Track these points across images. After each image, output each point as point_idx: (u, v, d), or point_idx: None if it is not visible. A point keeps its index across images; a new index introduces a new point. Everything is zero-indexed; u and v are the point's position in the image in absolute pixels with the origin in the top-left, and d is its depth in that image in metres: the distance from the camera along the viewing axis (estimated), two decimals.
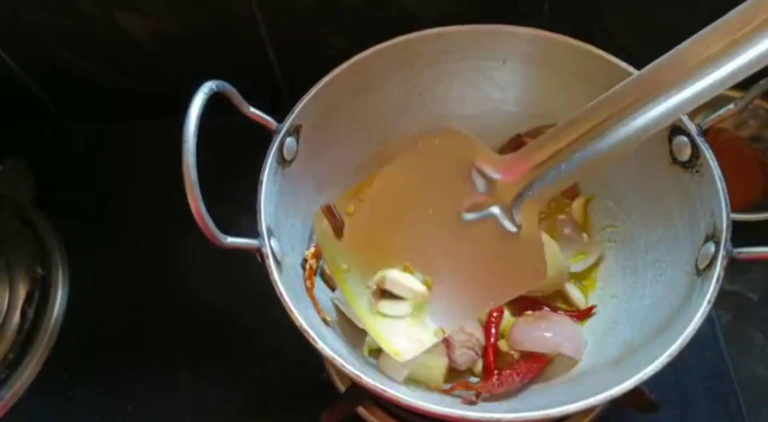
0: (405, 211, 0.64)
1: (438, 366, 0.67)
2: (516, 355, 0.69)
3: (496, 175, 0.61)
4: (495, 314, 0.70)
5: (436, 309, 0.63)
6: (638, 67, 0.66)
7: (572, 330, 0.68)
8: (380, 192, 0.65)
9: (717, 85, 0.50)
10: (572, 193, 0.80)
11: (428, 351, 0.63)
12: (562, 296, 0.75)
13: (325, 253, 0.67)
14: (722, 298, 0.84)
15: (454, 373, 0.69)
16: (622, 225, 0.77)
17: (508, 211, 0.60)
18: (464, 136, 0.61)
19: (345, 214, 0.66)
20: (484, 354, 0.69)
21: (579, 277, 0.77)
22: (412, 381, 0.67)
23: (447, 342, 0.67)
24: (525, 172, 0.59)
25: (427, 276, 0.64)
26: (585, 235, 0.78)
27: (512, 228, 0.60)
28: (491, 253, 0.61)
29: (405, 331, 0.63)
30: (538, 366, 0.66)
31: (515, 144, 0.78)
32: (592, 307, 0.73)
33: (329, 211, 0.68)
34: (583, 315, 0.73)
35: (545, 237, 0.69)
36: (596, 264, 0.77)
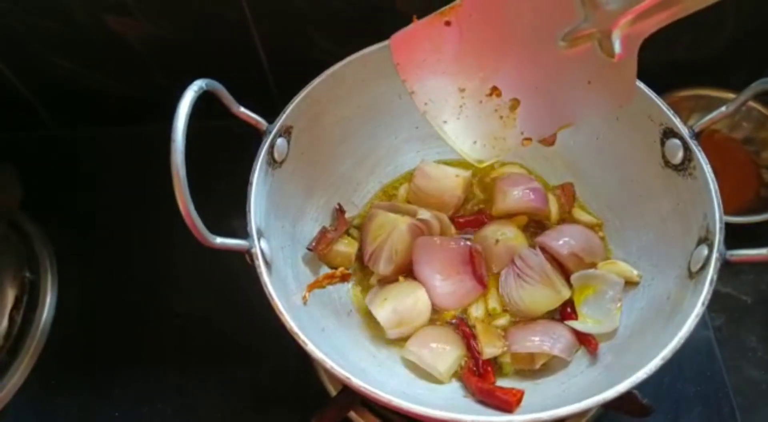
0: (496, 34, 0.61)
1: (422, 301, 0.71)
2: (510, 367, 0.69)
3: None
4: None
5: (524, 119, 0.63)
6: None
7: (561, 332, 0.68)
8: (472, 15, 0.60)
9: None
10: (570, 195, 0.80)
11: (412, 289, 0.71)
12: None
13: None
14: (715, 301, 0.84)
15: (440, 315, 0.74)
16: (613, 228, 0.77)
17: (608, 39, 0.56)
18: None
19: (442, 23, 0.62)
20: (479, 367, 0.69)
21: None
22: (396, 321, 0.70)
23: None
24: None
25: (514, 96, 0.63)
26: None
27: (609, 57, 0.57)
28: (583, 77, 0.59)
29: (491, 132, 0.64)
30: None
31: None
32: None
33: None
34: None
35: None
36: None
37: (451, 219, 0.78)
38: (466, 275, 0.73)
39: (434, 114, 0.64)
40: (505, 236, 0.75)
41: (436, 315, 0.73)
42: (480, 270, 0.73)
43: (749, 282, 0.87)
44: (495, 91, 0.63)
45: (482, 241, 0.75)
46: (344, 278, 0.75)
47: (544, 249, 0.73)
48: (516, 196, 0.77)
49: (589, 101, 0.60)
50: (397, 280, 0.74)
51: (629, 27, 0.54)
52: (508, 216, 0.78)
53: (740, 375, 0.80)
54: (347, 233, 0.78)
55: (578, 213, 0.79)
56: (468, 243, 0.74)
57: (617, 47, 0.55)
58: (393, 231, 0.74)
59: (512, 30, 0.60)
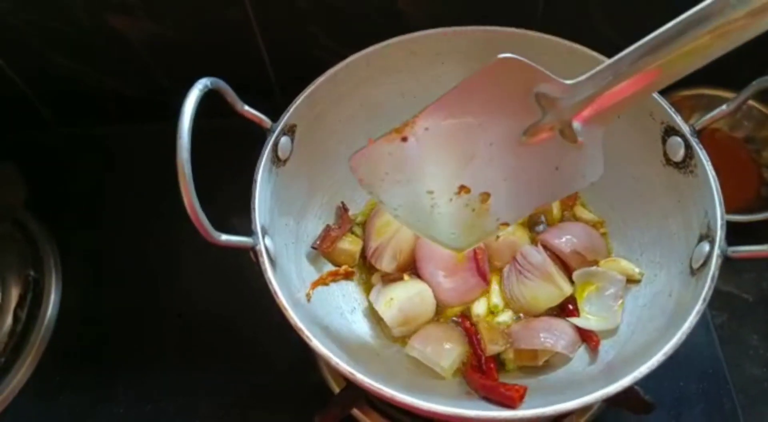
0: (456, 141, 0.61)
1: (427, 300, 0.72)
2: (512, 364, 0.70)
3: (558, 95, 0.55)
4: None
5: (497, 208, 0.63)
6: None
7: (564, 329, 0.69)
8: (427, 128, 0.61)
9: None
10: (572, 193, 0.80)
11: (417, 288, 0.72)
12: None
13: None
14: (717, 299, 0.84)
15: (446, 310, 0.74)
16: (615, 226, 0.77)
17: (569, 128, 0.56)
18: (524, 63, 0.55)
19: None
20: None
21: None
22: (401, 320, 0.70)
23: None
24: (589, 90, 0.53)
25: (483, 191, 0.63)
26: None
27: (572, 146, 0.57)
28: (550, 164, 0.60)
29: (469, 222, 0.64)
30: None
31: None
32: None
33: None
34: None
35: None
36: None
37: None
38: (469, 272, 0.73)
39: (406, 217, 0.65)
40: (505, 231, 0.74)
41: (439, 311, 0.73)
42: (483, 266, 0.73)
43: (751, 280, 0.87)
44: (463, 189, 0.63)
45: None
46: (348, 275, 0.76)
47: (546, 247, 0.73)
48: None
49: (558, 184, 0.61)
50: (401, 278, 0.74)
51: (589, 115, 0.55)
52: None
53: (742, 373, 0.80)
54: (351, 231, 0.78)
55: (580, 210, 0.80)
56: None
57: (579, 134, 0.56)
58: (400, 230, 0.74)
59: (471, 136, 0.60)
